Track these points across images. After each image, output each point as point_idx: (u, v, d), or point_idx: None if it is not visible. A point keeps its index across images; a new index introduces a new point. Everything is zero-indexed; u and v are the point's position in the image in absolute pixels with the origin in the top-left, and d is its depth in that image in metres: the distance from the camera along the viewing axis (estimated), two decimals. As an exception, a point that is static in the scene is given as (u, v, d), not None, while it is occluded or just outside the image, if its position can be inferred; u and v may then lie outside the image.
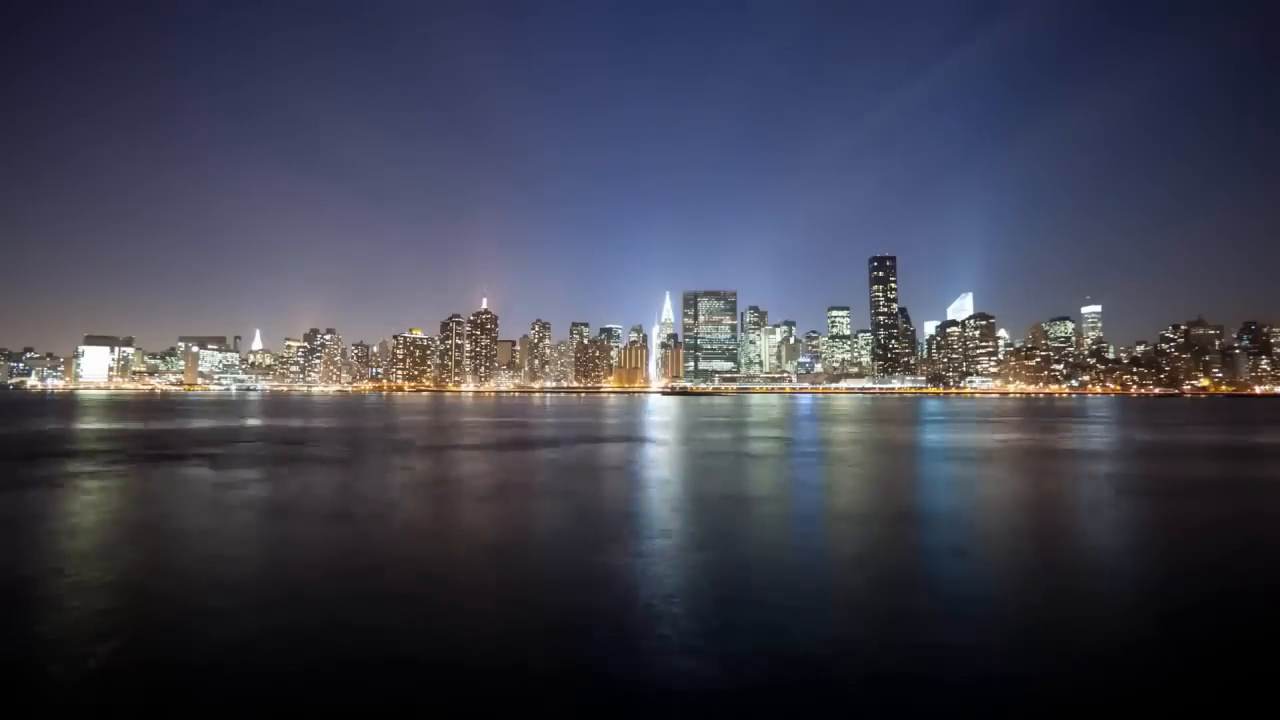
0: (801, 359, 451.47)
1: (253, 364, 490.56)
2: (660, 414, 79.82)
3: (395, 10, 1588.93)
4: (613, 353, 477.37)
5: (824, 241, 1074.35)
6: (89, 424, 56.15)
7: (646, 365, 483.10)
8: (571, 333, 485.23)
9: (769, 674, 7.37)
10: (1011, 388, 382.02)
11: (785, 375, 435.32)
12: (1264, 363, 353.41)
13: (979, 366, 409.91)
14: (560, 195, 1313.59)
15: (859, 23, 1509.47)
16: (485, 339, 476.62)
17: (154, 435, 43.67)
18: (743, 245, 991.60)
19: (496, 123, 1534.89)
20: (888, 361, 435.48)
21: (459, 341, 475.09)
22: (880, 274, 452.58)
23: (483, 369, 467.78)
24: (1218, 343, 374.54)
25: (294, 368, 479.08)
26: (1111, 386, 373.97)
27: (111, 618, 9.18)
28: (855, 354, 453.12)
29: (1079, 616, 9.48)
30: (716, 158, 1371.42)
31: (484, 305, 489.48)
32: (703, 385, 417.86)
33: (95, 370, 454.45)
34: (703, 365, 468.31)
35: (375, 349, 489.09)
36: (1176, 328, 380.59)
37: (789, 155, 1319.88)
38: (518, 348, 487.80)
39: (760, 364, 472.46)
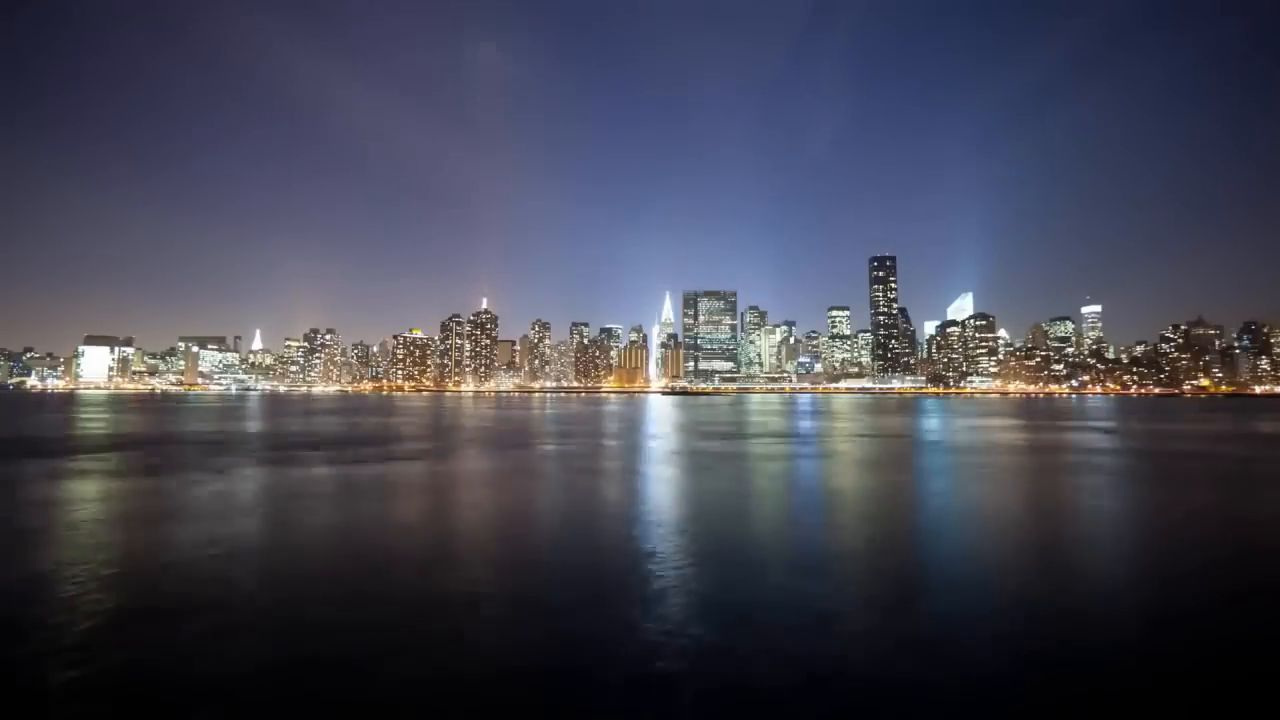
0: (801, 359, 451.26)
1: (253, 364, 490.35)
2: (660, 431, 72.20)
3: (396, 8, 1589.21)
4: (613, 353, 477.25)
5: (824, 242, 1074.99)
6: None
7: (646, 365, 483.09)
8: (571, 333, 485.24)
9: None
10: (1011, 388, 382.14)
11: (785, 375, 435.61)
12: (1264, 363, 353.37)
13: (979, 366, 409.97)
14: (560, 195, 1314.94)
15: (858, 25, 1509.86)
16: (485, 339, 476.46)
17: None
18: (743, 245, 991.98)
19: (497, 122, 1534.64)
20: (888, 361, 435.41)
21: (459, 341, 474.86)
22: (880, 274, 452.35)
23: (483, 369, 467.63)
24: (1218, 343, 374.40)
25: (294, 368, 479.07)
26: (1111, 386, 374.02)
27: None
28: (855, 354, 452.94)
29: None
30: (716, 158, 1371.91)
31: (484, 305, 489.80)
32: (703, 385, 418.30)
33: (95, 370, 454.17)
34: (703, 365, 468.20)
35: (375, 349, 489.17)
36: (1176, 328, 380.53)
37: (789, 155, 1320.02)
38: (518, 348, 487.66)
39: (760, 364, 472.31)
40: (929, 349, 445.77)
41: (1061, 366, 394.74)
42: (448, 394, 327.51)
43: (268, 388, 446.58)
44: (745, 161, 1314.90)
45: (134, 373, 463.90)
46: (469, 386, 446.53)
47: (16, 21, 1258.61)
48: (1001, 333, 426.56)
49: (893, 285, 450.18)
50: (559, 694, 6.93)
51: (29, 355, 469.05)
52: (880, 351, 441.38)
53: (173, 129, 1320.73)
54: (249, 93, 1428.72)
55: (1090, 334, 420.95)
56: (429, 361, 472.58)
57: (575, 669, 7.51)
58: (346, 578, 10.95)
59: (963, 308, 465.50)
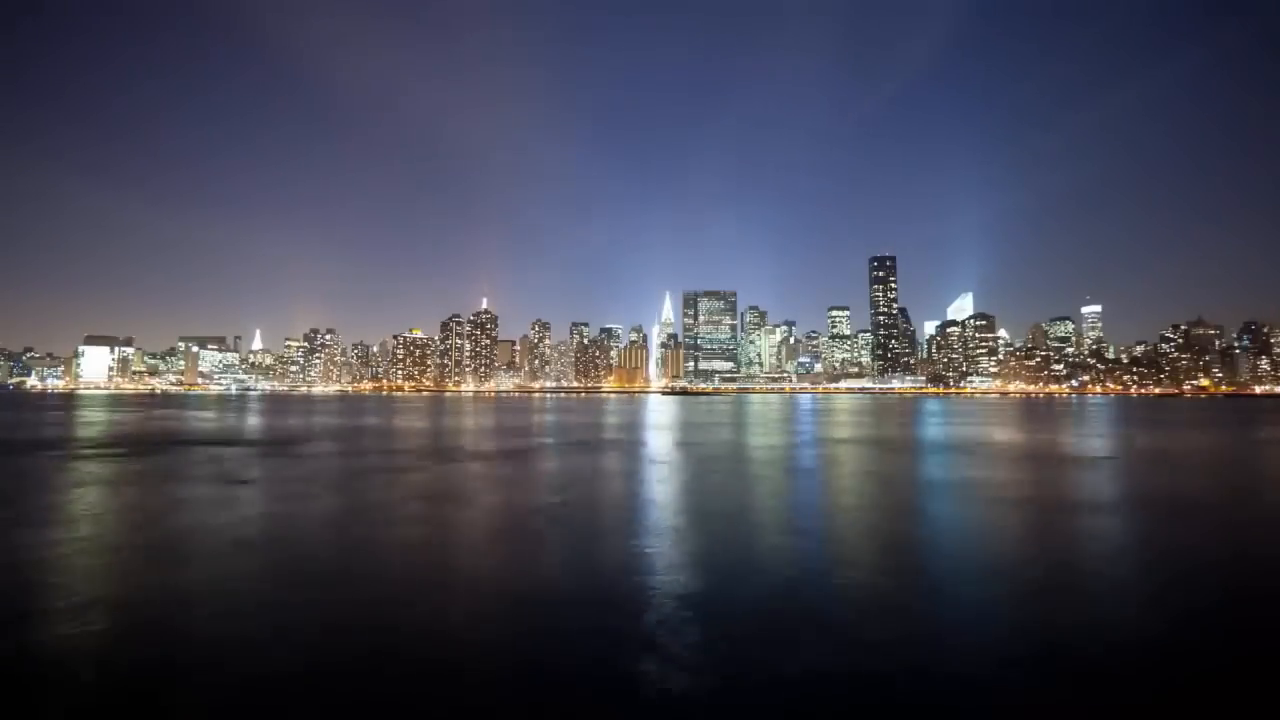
0: (801, 359, 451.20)
1: (253, 364, 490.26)
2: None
3: (396, 6, 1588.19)
4: (613, 353, 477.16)
5: (824, 241, 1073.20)
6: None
7: (646, 365, 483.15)
8: (571, 333, 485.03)
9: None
10: (1011, 388, 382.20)
11: (785, 375, 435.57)
12: (1264, 363, 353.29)
13: (979, 366, 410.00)
14: (560, 195, 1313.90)
15: (857, 27, 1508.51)
16: (485, 339, 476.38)
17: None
18: (743, 245, 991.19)
19: (497, 122, 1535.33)
20: (888, 361, 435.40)
21: (459, 341, 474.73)
22: (880, 274, 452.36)
23: (483, 369, 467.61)
24: (1218, 343, 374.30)
25: (294, 368, 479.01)
26: (1111, 386, 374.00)
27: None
28: (855, 354, 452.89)
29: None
30: (716, 158, 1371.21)
31: (484, 305, 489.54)
32: (703, 385, 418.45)
33: (95, 370, 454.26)
34: (703, 365, 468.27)
35: (375, 349, 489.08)
36: (1176, 328, 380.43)
37: (789, 155, 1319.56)
38: (518, 348, 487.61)
39: (760, 364, 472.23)
40: (929, 349, 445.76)
41: (1061, 366, 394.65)
42: (448, 394, 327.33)
43: (268, 388, 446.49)
44: (745, 161, 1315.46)
45: (134, 373, 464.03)
46: (469, 387, 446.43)
47: (17, 22, 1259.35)
48: (1001, 333, 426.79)
49: (893, 285, 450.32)
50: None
51: (29, 355, 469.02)
52: (880, 351, 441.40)
53: (173, 130, 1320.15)
54: (249, 94, 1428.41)
55: (1090, 334, 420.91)
56: (429, 361, 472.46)
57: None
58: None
59: (963, 308, 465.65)
